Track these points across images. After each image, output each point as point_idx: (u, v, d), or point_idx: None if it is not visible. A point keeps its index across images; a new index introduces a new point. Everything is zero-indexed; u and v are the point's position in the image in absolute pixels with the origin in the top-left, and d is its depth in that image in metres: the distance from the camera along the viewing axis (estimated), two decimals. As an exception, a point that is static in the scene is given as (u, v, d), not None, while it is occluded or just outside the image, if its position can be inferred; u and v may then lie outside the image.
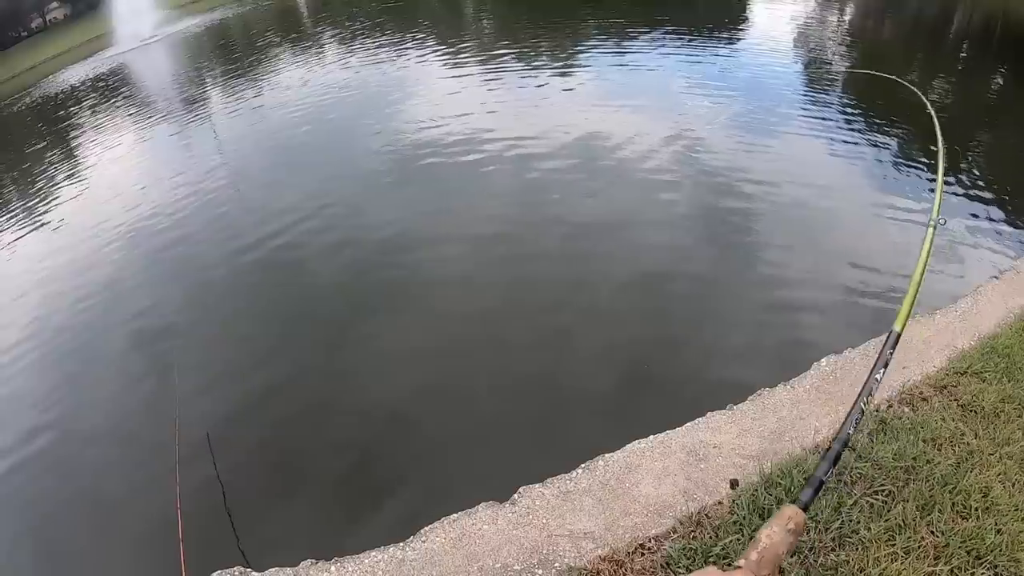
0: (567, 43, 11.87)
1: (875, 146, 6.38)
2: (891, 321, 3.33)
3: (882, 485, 2.21)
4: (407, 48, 13.66)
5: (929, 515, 2.06)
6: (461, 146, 7.46)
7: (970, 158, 6.03)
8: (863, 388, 0.92)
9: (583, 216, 5.60)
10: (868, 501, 2.15)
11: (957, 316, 3.44)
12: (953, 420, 2.50)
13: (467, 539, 2.50)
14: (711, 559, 2.08)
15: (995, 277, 3.94)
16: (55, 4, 38.56)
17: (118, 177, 9.62)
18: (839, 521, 2.08)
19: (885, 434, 2.50)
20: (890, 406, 2.73)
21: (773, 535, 0.69)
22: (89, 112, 15.56)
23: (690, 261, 4.86)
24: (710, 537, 2.17)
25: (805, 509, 0.75)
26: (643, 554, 2.22)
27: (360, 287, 5.20)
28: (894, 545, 1.98)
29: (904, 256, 4.54)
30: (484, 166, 6.86)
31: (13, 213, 9.60)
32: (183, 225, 7.03)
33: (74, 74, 22.51)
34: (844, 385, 3.00)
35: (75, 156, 12.01)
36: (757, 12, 12.83)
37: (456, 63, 11.58)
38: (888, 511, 2.09)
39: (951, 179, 5.50)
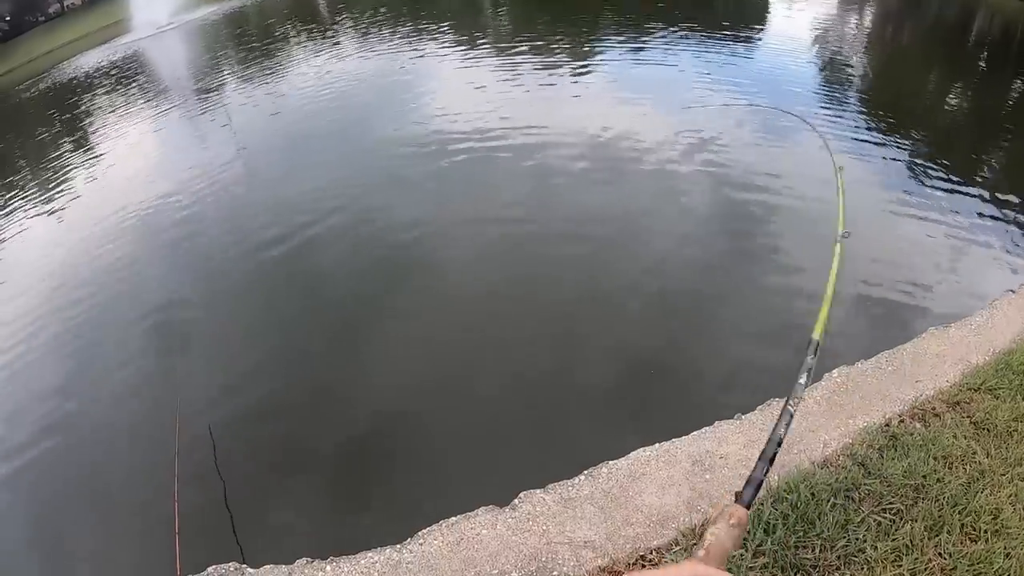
0: (584, 38, 11.78)
1: (884, 154, 6.30)
2: (908, 331, 3.27)
3: (891, 503, 2.16)
4: (424, 40, 13.61)
5: (937, 536, 2.01)
6: (475, 140, 7.40)
7: (987, 167, 5.93)
8: (789, 395, 1.04)
9: (596, 213, 5.55)
10: (876, 519, 2.10)
11: (972, 330, 3.37)
12: (965, 438, 2.44)
13: (465, 543, 2.47)
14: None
15: (1011, 291, 3.86)
16: (73, -11, 38.80)
17: (131, 164, 9.64)
18: (845, 539, 2.03)
19: (896, 450, 2.44)
20: (901, 421, 2.68)
21: (719, 532, 0.74)
22: (104, 99, 15.64)
23: (704, 263, 4.79)
24: (712, 551, 2.12)
25: (747, 507, 0.81)
26: (643, 566, 2.18)
27: (369, 280, 5.17)
28: (900, 566, 1.93)
29: (922, 266, 4.47)
30: (498, 160, 6.82)
31: (27, 197, 9.65)
32: (193, 215, 7.03)
33: (90, 60, 22.61)
34: (855, 397, 2.94)
35: (88, 143, 12.06)
36: (776, 13, 12.68)
37: (473, 57, 11.52)
38: (896, 530, 2.05)
39: (969, 188, 5.41)
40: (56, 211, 8.58)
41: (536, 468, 2.87)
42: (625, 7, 13.97)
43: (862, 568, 1.94)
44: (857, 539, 2.03)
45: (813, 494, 2.22)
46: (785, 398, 1.02)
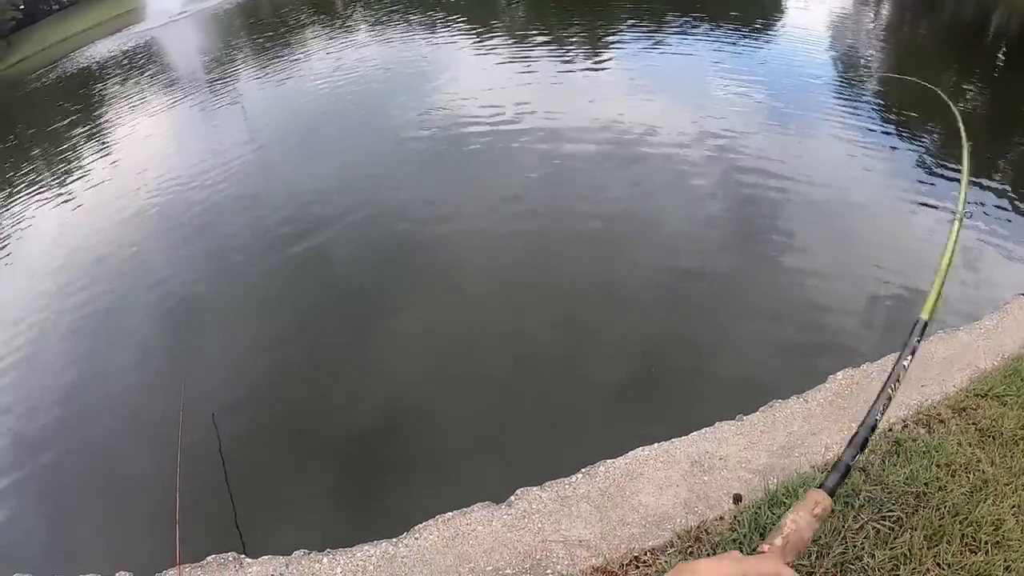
0: (599, 29, 11.69)
1: (901, 148, 6.20)
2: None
3: (890, 510, 2.13)
4: (438, 30, 13.55)
5: (937, 546, 1.97)
6: (489, 129, 7.38)
7: (1002, 166, 5.81)
8: (890, 375, 0.95)
9: (607, 205, 5.52)
10: (874, 527, 2.07)
11: (981, 334, 3.32)
12: (970, 446, 2.40)
13: (460, 539, 2.47)
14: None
15: (1022, 294, 3.79)
16: (88, -23, 38.92)
17: (143, 153, 9.70)
18: (843, 547, 2.00)
19: (898, 456, 2.41)
20: (905, 426, 2.64)
21: (799, 520, 0.68)
22: (117, 88, 15.73)
23: (710, 259, 4.74)
24: (707, 554, 2.11)
25: (831, 495, 0.74)
26: (637, 567, 2.17)
27: (379, 273, 5.16)
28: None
29: (932, 265, 4.39)
30: (512, 151, 6.80)
31: (39, 184, 9.74)
32: (206, 205, 7.05)
33: (103, 49, 22.77)
34: (859, 401, 2.90)
35: (101, 132, 12.14)
36: (791, 6, 12.49)
37: (487, 46, 11.45)
38: (895, 539, 2.02)
39: (979, 189, 5.31)
40: (69, 199, 8.66)
41: (534, 464, 2.87)
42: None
43: (859, 576, 1.92)
44: (855, 546, 2.00)
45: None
46: (884, 380, 0.94)
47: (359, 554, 2.49)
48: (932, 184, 5.46)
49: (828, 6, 12.05)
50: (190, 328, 4.97)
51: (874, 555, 1.97)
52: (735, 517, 2.26)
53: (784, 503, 2.22)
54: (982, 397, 2.72)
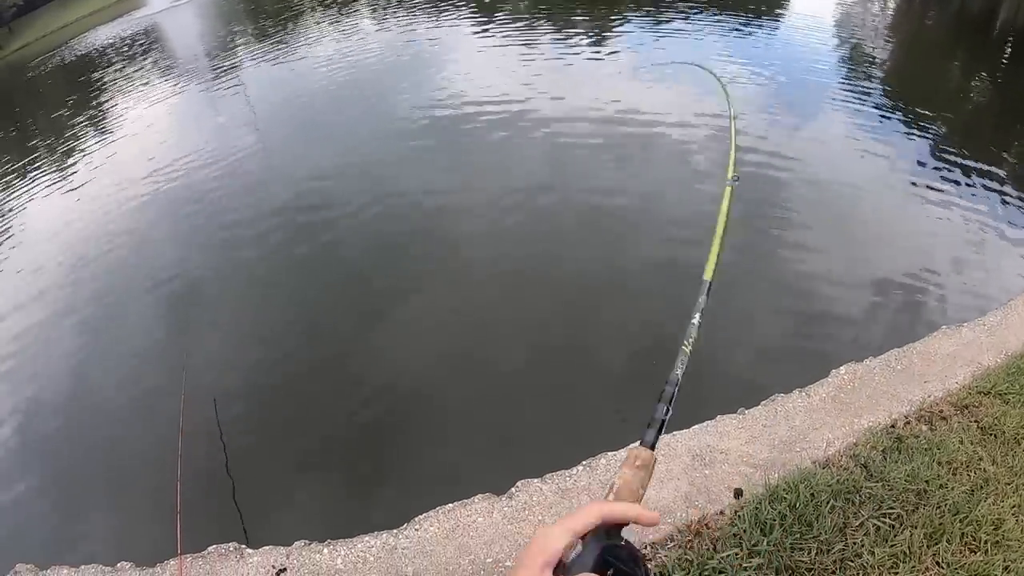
0: (603, 14, 11.57)
1: (904, 136, 6.19)
2: (919, 329, 3.19)
3: (891, 508, 2.12)
4: (442, 15, 13.42)
5: (936, 544, 1.97)
6: (493, 115, 7.35)
7: (1009, 160, 5.76)
8: (686, 333, 1.13)
9: (610, 193, 5.50)
10: (875, 524, 2.07)
11: (985, 330, 3.30)
12: (972, 444, 2.39)
13: (461, 531, 2.48)
14: (707, 572, 2.03)
15: (1029, 290, 3.77)
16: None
17: (145, 139, 9.66)
18: (842, 543, 2.00)
19: (900, 453, 2.40)
20: (907, 422, 2.63)
21: (625, 474, 0.77)
22: (118, 74, 15.63)
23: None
24: (707, 549, 2.11)
25: (652, 448, 0.84)
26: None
27: (382, 259, 5.14)
28: (897, 574, 1.90)
29: (938, 260, 4.36)
30: (516, 136, 6.77)
31: (41, 170, 9.71)
32: (207, 190, 7.03)
33: (104, 35, 22.62)
34: (862, 395, 2.90)
35: (103, 118, 12.09)
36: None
37: (490, 31, 11.35)
38: (895, 537, 2.01)
39: (990, 182, 5.27)
40: (70, 185, 8.63)
41: (535, 456, 2.87)
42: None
43: (858, 574, 1.92)
44: (855, 543, 2.01)
45: (812, 495, 2.19)
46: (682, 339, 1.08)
47: (360, 545, 2.50)
48: (937, 168, 5.43)
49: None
50: (192, 317, 4.97)
51: (874, 552, 1.97)
52: (736, 512, 2.26)
53: (785, 498, 2.22)
54: (985, 394, 2.71)
